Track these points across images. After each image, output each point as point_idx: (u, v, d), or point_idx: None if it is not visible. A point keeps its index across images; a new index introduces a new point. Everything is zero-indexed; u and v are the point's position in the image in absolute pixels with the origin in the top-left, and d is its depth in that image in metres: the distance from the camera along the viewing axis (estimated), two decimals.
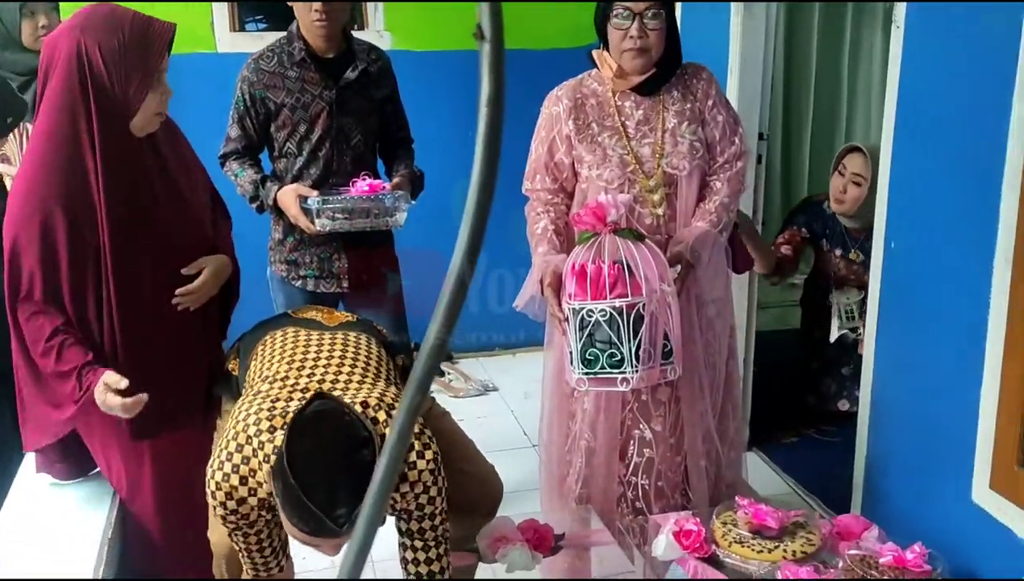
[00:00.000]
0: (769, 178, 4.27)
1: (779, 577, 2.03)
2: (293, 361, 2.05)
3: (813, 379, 3.85)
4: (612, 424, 2.55)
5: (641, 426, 2.57)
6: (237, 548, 1.96)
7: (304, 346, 2.11)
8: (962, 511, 2.21)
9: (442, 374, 4.57)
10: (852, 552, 2.20)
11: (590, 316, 2.29)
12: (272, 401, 1.90)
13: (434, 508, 1.93)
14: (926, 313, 2.38)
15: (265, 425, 1.84)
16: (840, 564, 2.18)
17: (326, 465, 1.71)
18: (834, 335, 3.70)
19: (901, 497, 2.48)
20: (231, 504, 1.83)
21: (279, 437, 1.80)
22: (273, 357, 2.09)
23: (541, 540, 2.22)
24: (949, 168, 2.28)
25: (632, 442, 2.58)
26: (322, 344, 2.12)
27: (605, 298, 2.26)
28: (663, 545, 2.29)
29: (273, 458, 1.78)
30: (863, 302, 3.60)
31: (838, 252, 3.67)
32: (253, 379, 2.07)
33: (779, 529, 2.27)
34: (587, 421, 2.59)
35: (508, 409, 4.24)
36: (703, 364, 2.57)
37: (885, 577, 2.09)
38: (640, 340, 2.27)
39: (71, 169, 2.06)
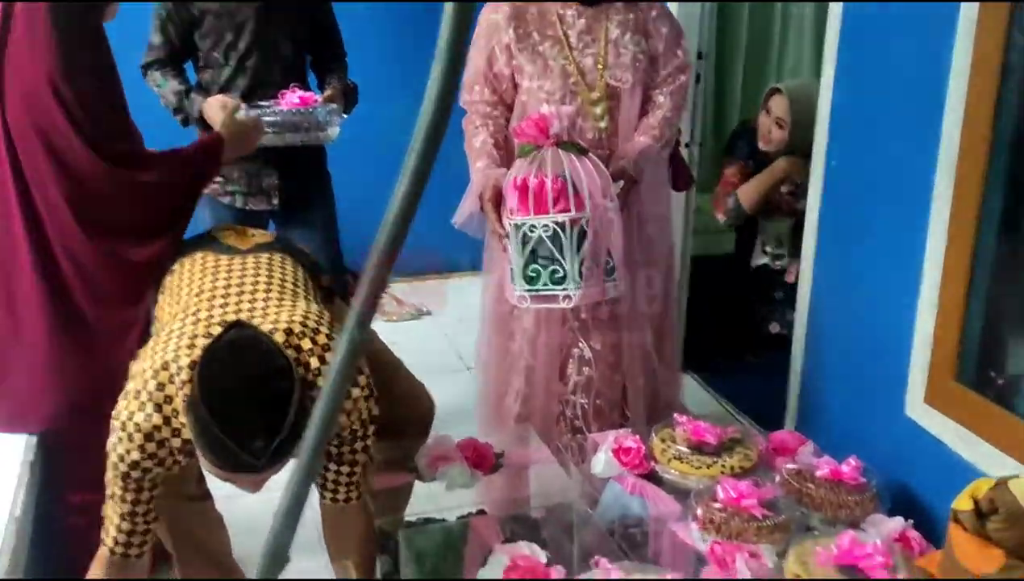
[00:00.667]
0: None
1: (718, 492, 2.03)
2: (203, 292, 1.93)
3: (745, 303, 3.87)
4: (552, 343, 2.52)
5: (581, 345, 2.55)
6: (116, 512, 1.80)
7: (213, 274, 1.98)
8: (896, 426, 2.24)
9: None
10: (789, 467, 2.21)
11: (532, 232, 2.23)
12: (190, 338, 1.78)
13: (364, 431, 1.88)
14: (865, 231, 2.38)
15: (185, 362, 1.74)
16: (777, 478, 2.20)
17: (242, 397, 1.62)
18: (757, 261, 3.72)
19: (835, 413, 2.51)
20: (151, 446, 1.74)
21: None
22: (182, 289, 1.97)
23: (481, 459, 2.19)
24: (891, 88, 2.26)
25: (572, 361, 2.56)
26: (232, 270, 2.00)
27: (548, 213, 2.20)
28: (602, 462, 2.28)
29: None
30: (793, 229, 3.61)
31: None
32: (163, 316, 1.95)
33: (717, 445, 2.27)
34: (527, 340, 2.55)
35: (442, 333, 4.20)
36: (644, 282, 2.55)
37: (821, 490, 2.12)
38: (583, 256, 2.23)
39: None
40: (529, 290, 2.29)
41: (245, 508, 2.95)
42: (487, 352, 2.69)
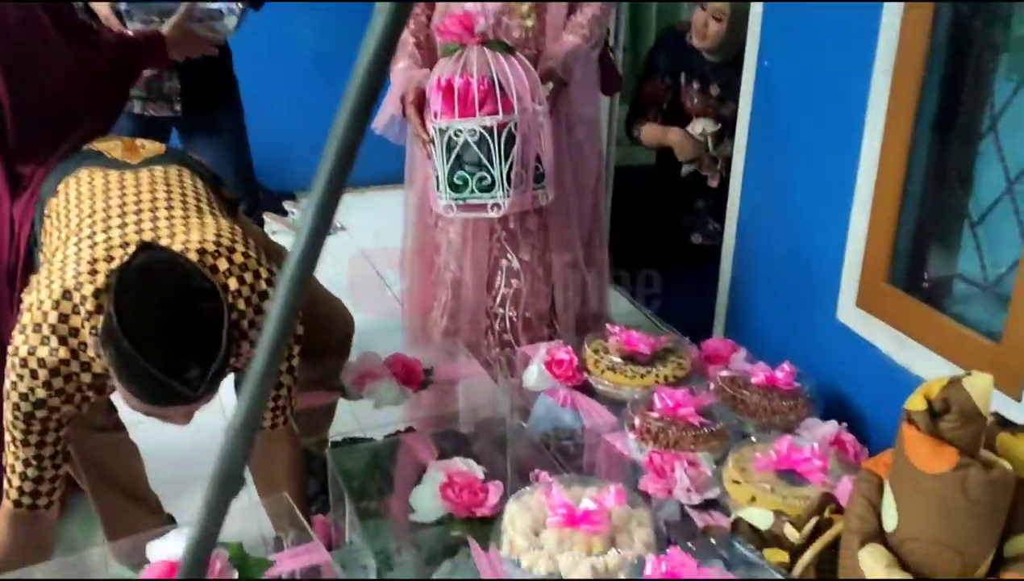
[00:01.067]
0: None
1: (655, 401, 1.99)
2: (95, 213, 1.75)
3: (667, 213, 3.84)
4: (479, 254, 2.43)
5: (509, 256, 2.46)
6: (19, 458, 1.67)
7: (104, 193, 1.81)
8: (828, 330, 2.23)
9: (284, 213, 4.33)
10: (723, 374, 2.19)
11: (458, 136, 2.12)
12: (89, 263, 1.63)
13: (290, 351, 1.79)
14: (797, 134, 2.33)
15: (89, 290, 1.59)
16: (711, 386, 2.17)
17: (165, 323, 1.49)
18: (685, 168, 3.68)
19: (765, 320, 2.49)
20: (57, 382, 1.60)
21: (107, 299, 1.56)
22: (71, 211, 1.79)
23: (410, 375, 2.10)
24: None
25: (500, 273, 2.47)
26: (125, 187, 1.82)
27: (474, 116, 2.09)
28: (534, 375, 2.22)
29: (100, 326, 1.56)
30: (718, 134, 3.56)
31: (696, 86, 3.59)
32: (51, 242, 1.77)
33: (651, 355, 2.23)
34: (452, 252, 2.45)
35: (359, 249, 4.06)
36: (572, 189, 2.46)
37: (755, 396, 2.10)
38: (512, 162, 2.13)
39: None
40: (455, 199, 2.18)
41: (158, 437, 2.83)
42: (411, 266, 2.59)
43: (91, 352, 1.59)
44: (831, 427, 1.99)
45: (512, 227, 2.43)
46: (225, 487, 0.49)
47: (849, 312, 2.18)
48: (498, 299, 2.50)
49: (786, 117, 2.37)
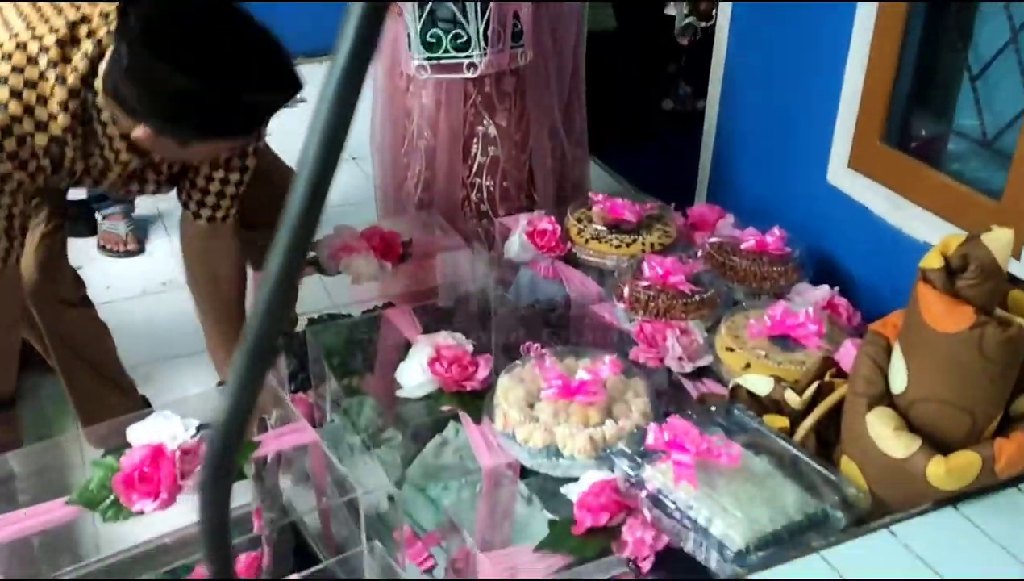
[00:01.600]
0: None
1: (644, 270, 1.93)
2: None
3: (637, 79, 3.71)
4: (454, 120, 2.31)
5: (485, 121, 2.34)
6: None
7: None
8: (818, 193, 2.16)
9: None
10: (711, 240, 2.13)
11: None
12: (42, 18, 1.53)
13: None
14: None
15: (50, 40, 1.48)
16: (699, 253, 2.11)
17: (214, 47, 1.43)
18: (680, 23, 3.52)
19: (752, 185, 2.41)
20: (9, 144, 1.50)
21: (86, 44, 1.49)
22: None
23: (388, 248, 2.01)
24: None
25: (475, 140, 2.36)
26: None
27: None
28: (516, 246, 2.15)
29: (72, 77, 1.47)
30: None
31: None
32: None
33: (636, 223, 2.16)
34: (425, 118, 2.33)
35: None
36: (551, 50, 2.33)
37: (744, 262, 2.04)
38: (488, 18, 2.00)
39: None
40: (430, 58, 2.05)
41: (129, 318, 2.73)
42: (381, 134, 2.46)
43: (50, 108, 1.50)
44: (823, 291, 1.95)
45: (488, 90, 2.30)
46: (261, 356, 0.41)
47: (840, 174, 2.11)
48: (475, 168, 2.39)
49: None
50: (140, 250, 3.06)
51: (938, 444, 1.32)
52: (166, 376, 2.54)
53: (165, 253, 3.05)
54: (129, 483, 1.41)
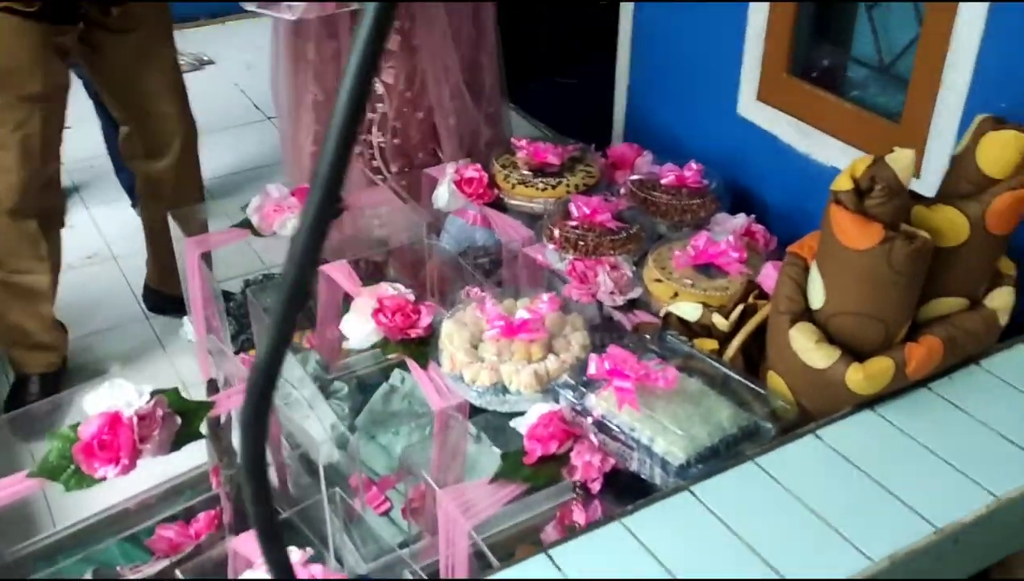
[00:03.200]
0: None
1: (572, 210, 2.00)
2: None
3: (550, 23, 3.75)
4: (335, 75, 2.33)
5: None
6: None
7: None
8: (730, 126, 2.26)
9: None
10: (632, 178, 2.21)
11: None
12: None
13: None
14: None
15: None
16: (622, 191, 2.19)
17: None
18: None
19: (666, 122, 2.50)
20: None
21: None
22: None
23: None
24: None
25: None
26: None
27: None
28: (445, 195, 2.19)
29: None
30: None
31: None
32: None
33: (560, 165, 2.23)
34: (311, 73, 2.34)
35: (231, 82, 3.85)
36: (443, 8, 2.35)
37: (665, 196, 2.13)
38: None
39: None
40: None
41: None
42: (279, 90, 2.47)
43: None
44: (741, 220, 2.05)
45: None
46: (295, 299, 0.47)
47: (750, 105, 2.21)
48: (364, 124, 2.42)
49: None
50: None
51: (855, 353, 1.43)
52: (101, 346, 2.54)
53: (87, 227, 3.01)
54: (89, 451, 1.44)
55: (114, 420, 1.44)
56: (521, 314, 1.64)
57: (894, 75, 2.01)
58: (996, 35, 1.66)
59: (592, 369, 1.50)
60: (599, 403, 1.47)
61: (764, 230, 2.04)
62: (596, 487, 1.45)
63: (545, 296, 1.68)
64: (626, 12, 2.53)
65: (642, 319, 1.84)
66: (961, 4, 1.69)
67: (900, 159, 1.33)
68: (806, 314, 1.47)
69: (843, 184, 1.35)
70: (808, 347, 1.43)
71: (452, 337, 1.65)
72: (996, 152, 1.43)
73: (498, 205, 2.22)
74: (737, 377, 1.53)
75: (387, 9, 0.43)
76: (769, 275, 1.68)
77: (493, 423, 1.65)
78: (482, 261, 2.29)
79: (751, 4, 2.12)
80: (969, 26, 1.69)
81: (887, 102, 1.99)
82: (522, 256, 2.07)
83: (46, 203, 2.28)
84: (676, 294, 1.83)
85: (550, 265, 2.01)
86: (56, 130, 2.24)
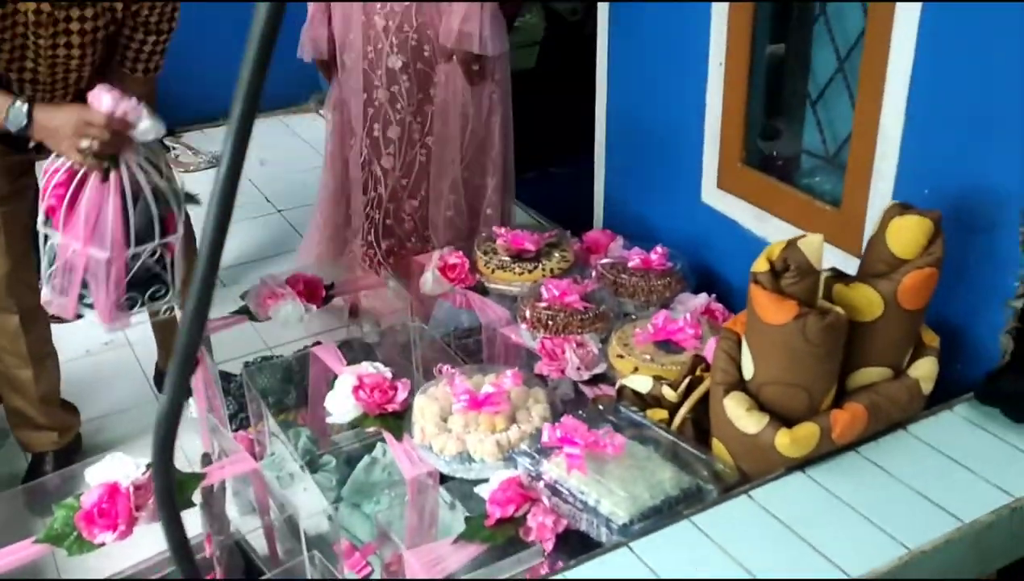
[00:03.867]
0: None
1: (543, 293, 2.16)
2: None
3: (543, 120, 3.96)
4: (345, 156, 2.66)
5: (372, 162, 2.68)
6: None
7: None
8: (694, 212, 2.42)
9: (167, 150, 4.30)
10: (603, 262, 2.37)
11: None
12: None
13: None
14: (654, 41, 2.47)
15: None
16: (593, 274, 2.35)
17: None
18: None
19: (638, 209, 2.66)
20: None
21: None
22: None
23: (312, 292, 2.22)
24: None
25: (368, 176, 2.69)
26: None
27: None
28: (430, 281, 2.36)
29: None
30: None
31: None
32: None
33: (536, 251, 2.40)
34: (329, 152, 2.69)
35: (245, 178, 4.08)
36: (456, 114, 2.62)
37: (633, 278, 2.29)
38: None
39: None
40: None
41: (74, 374, 2.88)
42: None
43: None
44: (701, 299, 2.20)
45: (376, 135, 2.69)
46: (185, 365, 0.62)
47: (712, 193, 2.38)
48: (367, 201, 2.78)
49: (641, 26, 2.51)
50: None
51: (784, 419, 1.56)
52: (115, 426, 2.71)
53: None
54: (90, 519, 1.60)
55: (112, 490, 1.60)
56: (486, 388, 1.79)
57: (839, 164, 2.18)
58: (917, 126, 1.83)
59: (545, 437, 1.64)
60: (551, 468, 1.61)
61: (723, 308, 2.18)
62: (549, 546, 1.58)
63: (509, 372, 1.84)
64: (600, 105, 2.73)
65: (603, 392, 1.98)
66: (886, 96, 1.86)
67: (810, 243, 1.49)
68: (739, 384, 1.61)
69: (761, 266, 1.51)
70: (740, 414, 1.57)
71: (424, 410, 1.80)
72: (903, 235, 1.59)
73: (479, 288, 2.39)
74: (682, 443, 1.67)
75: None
76: (712, 349, 1.82)
77: (463, 489, 1.79)
78: (467, 341, 2.45)
79: (708, 100, 2.31)
80: (893, 118, 1.86)
81: (833, 189, 2.16)
82: (500, 336, 2.23)
83: (24, 301, 2.33)
84: (636, 369, 1.97)
85: (525, 343, 2.16)
86: (20, 230, 2.27)
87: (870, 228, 1.95)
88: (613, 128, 2.71)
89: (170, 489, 0.66)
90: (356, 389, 1.88)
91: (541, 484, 1.61)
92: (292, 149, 4.23)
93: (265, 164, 3.99)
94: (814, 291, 1.52)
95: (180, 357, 0.62)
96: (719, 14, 2.20)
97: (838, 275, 1.65)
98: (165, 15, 2.20)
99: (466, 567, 1.58)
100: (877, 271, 1.62)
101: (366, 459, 1.98)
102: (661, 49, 2.46)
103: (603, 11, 2.63)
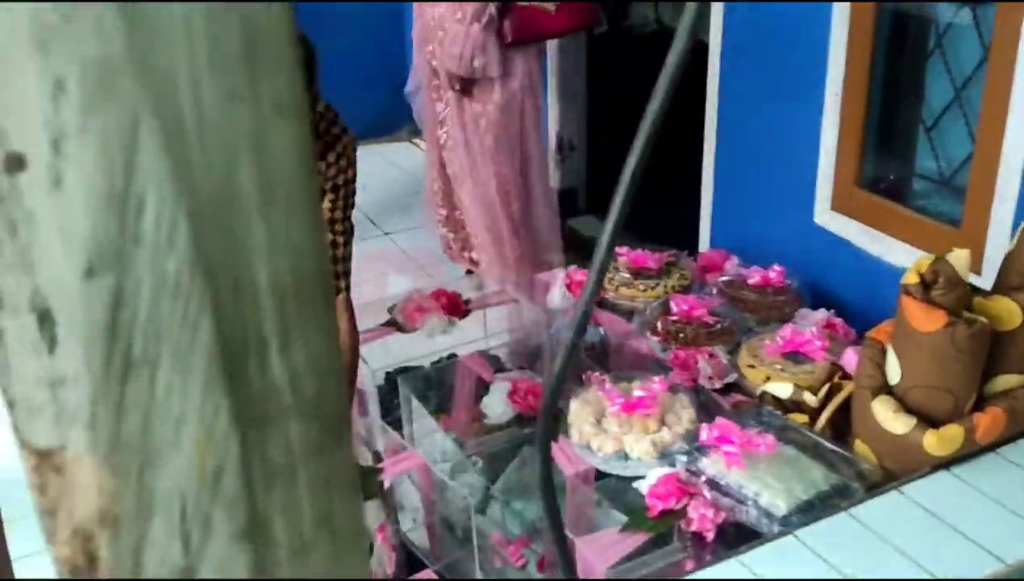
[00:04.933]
0: None
1: (672, 307, 2.30)
2: None
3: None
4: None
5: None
6: None
7: None
8: (806, 234, 2.55)
9: None
10: (722, 279, 2.51)
11: None
12: None
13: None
14: (768, 57, 2.62)
15: None
16: (714, 290, 2.49)
17: None
18: None
19: (750, 230, 2.80)
20: None
21: None
22: None
23: (453, 306, 2.37)
24: None
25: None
26: None
27: None
28: (558, 297, 2.51)
29: None
30: None
31: None
32: None
33: (658, 269, 2.54)
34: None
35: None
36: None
37: (752, 295, 2.42)
38: None
39: None
40: None
41: None
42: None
43: None
44: (822, 314, 2.33)
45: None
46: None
47: (825, 215, 2.51)
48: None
49: (755, 39, 2.65)
50: None
51: (930, 421, 1.68)
52: None
53: None
54: None
55: None
56: (637, 393, 1.93)
57: (954, 187, 2.31)
58: None
59: (704, 436, 1.78)
60: (711, 465, 1.74)
61: (843, 322, 2.31)
62: (710, 535, 1.71)
63: (656, 378, 1.98)
64: (710, 126, 2.87)
65: (738, 400, 2.11)
66: (1009, 121, 1.99)
67: (958, 257, 1.62)
68: (885, 388, 1.74)
69: (911, 278, 1.64)
70: (888, 416, 1.69)
71: (579, 413, 1.95)
72: None
73: (604, 304, 2.53)
74: (827, 444, 1.80)
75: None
76: (850, 358, 1.95)
77: (616, 486, 1.93)
78: (591, 353, 2.59)
79: (824, 125, 2.44)
80: (1017, 143, 1.99)
81: (949, 211, 2.28)
82: (627, 347, 2.37)
83: None
84: (768, 378, 2.10)
85: (653, 354, 2.30)
86: None
87: (991, 246, 2.08)
88: (723, 149, 2.85)
89: (549, 478, 0.80)
90: (511, 394, 2.03)
91: (702, 479, 1.74)
92: (389, 176, 4.42)
93: (365, 189, 4.18)
94: (961, 302, 1.65)
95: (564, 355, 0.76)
96: (837, 41, 2.34)
97: (975, 289, 1.78)
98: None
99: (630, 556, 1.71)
100: (1013, 284, 1.74)
101: (517, 460, 2.13)
102: (776, 73, 2.60)
103: (715, 28, 2.76)
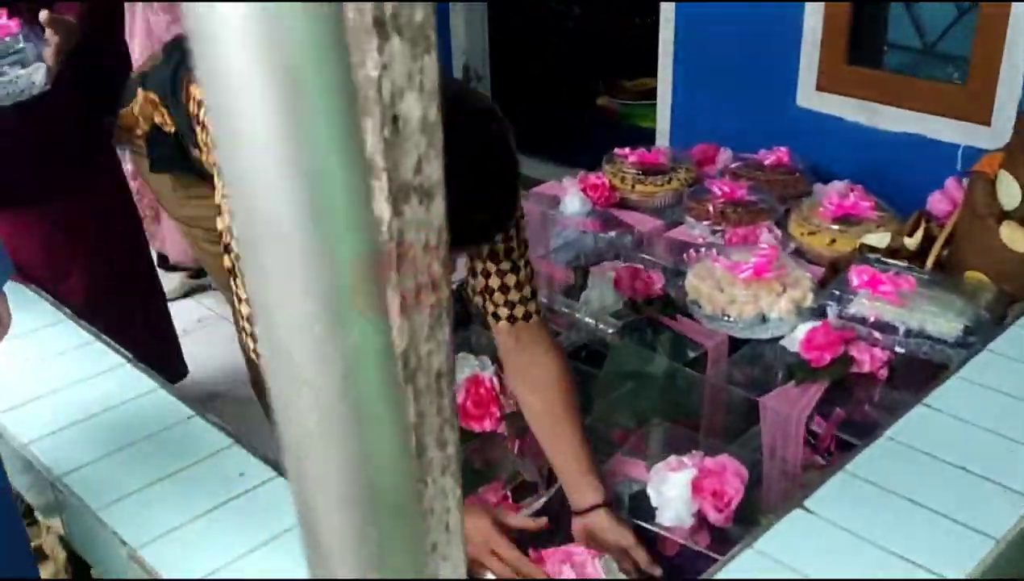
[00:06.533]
0: None
1: (716, 190, 2.31)
2: None
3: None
4: None
5: None
6: None
7: None
8: (791, 117, 2.64)
9: None
10: (735, 164, 2.54)
11: None
12: None
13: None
14: None
15: None
16: (726, 177, 2.52)
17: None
18: None
19: (717, 119, 2.83)
20: None
21: None
22: None
23: None
24: None
25: None
26: None
27: None
28: (577, 202, 2.44)
29: None
30: None
31: None
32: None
33: (668, 163, 2.53)
34: None
35: None
36: None
37: (767, 174, 2.48)
38: None
39: None
40: None
41: None
42: None
43: None
44: (841, 184, 2.42)
45: None
46: None
47: (809, 96, 2.61)
48: None
49: None
50: None
51: None
52: None
53: None
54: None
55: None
56: (755, 259, 1.92)
57: (936, 54, 2.47)
58: None
59: (854, 281, 1.80)
60: (867, 306, 1.77)
61: (861, 187, 2.41)
62: (883, 374, 1.73)
63: (763, 244, 1.97)
64: (667, 20, 2.87)
65: (806, 267, 2.16)
66: None
67: None
68: (1004, 215, 1.84)
69: None
70: (1018, 237, 1.79)
71: (699, 288, 1.91)
72: None
73: (623, 203, 2.49)
74: (947, 281, 1.88)
75: None
76: (937, 199, 2.05)
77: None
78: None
79: (806, 10, 2.53)
80: None
81: (931, 75, 2.44)
82: (665, 239, 2.35)
83: None
84: (833, 240, 2.16)
85: (698, 240, 2.29)
86: None
87: (1002, 93, 2.26)
88: (683, 41, 2.85)
89: None
90: (616, 282, 1.95)
91: (859, 323, 1.76)
92: None
93: None
94: None
95: None
96: None
97: None
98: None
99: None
100: None
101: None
102: None
103: None
